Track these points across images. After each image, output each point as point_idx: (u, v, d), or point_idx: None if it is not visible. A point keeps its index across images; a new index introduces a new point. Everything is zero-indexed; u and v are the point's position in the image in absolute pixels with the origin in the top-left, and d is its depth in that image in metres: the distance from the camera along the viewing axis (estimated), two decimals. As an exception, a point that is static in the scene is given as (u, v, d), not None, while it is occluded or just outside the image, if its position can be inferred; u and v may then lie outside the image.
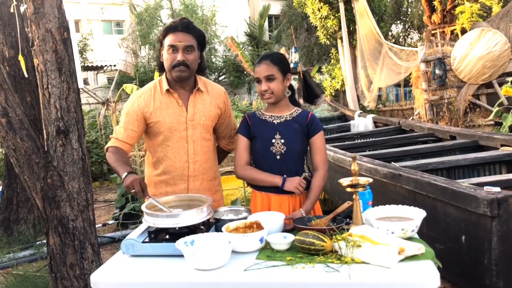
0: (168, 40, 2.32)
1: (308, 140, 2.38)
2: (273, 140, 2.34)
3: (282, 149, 2.33)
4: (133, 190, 2.05)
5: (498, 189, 2.31)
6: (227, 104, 2.56)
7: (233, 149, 2.66)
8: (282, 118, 2.39)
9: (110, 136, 2.43)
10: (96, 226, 3.57)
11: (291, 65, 9.67)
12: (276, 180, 2.32)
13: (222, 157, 2.73)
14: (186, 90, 2.43)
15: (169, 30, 2.34)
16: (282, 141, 2.34)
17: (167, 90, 2.39)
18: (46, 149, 3.09)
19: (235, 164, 2.45)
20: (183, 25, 2.32)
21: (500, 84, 7.26)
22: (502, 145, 4.05)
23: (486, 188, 2.36)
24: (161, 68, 2.44)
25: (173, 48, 2.30)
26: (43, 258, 4.57)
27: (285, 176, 2.32)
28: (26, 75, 4.36)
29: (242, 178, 2.49)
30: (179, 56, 2.30)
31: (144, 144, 2.56)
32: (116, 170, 2.21)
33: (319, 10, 12.20)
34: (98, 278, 1.76)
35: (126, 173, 2.11)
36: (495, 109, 5.83)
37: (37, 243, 5.11)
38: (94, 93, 15.73)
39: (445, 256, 2.33)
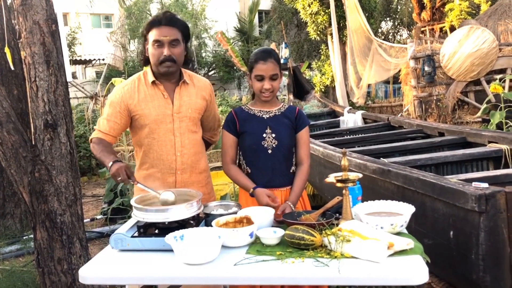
0: (153, 35, 2.30)
1: (295, 134, 2.41)
2: (264, 135, 2.35)
3: (274, 143, 2.34)
4: (119, 178, 2.05)
5: (486, 185, 2.33)
6: (212, 96, 2.57)
7: (216, 141, 2.68)
8: (271, 113, 2.40)
9: (94, 127, 2.42)
10: (84, 221, 3.54)
11: (281, 61, 9.68)
12: (248, 187, 2.33)
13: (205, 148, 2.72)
14: (171, 83, 2.42)
15: (153, 24, 2.32)
16: (273, 135, 2.35)
17: (153, 82, 2.37)
18: (33, 143, 3.05)
19: (222, 161, 2.47)
20: (167, 19, 2.30)
21: (488, 82, 7.32)
22: (489, 142, 4.09)
23: (474, 184, 2.38)
24: (146, 62, 2.43)
25: (159, 43, 2.29)
26: (30, 253, 4.53)
27: (254, 187, 2.31)
28: (12, 68, 4.30)
29: (228, 176, 2.51)
30: (165, 51, 2.28)
31: (132, 139, 2.55)
32: (102, 160, 2.20)
33: (309, 5, 12.20)
34: (87, 272, 1.75)
35: (111, 162, 2.10)
36: (483, 106, 5.88)
37: (24, 237, 5.06)
38: (82, 87, 15.60)
39: (433, 251, 2.34)
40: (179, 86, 2.41)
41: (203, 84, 2.53)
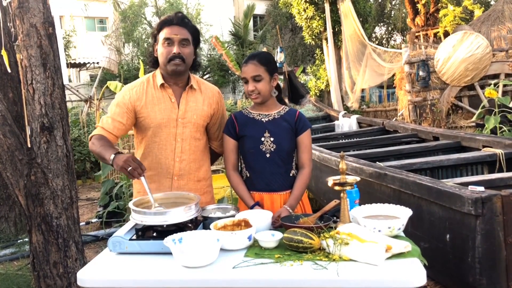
0: (164, 33, 2.29)
1: (295, 138, 2.39)
2: (263, 139, 2.34)
3: (272, 147, 2.33)
4: (130, 168, 1.96)
5: (482, 188, 2.35)
6: (220, 105, 2.52)
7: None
8: (270, 116, 2.39)
9: (96, 125, 2.37)
10: (80, 224, 3.53)
11: (277, 65, 9.71)
12: (247, 204, 2.33)
13: (213, 158, 2.67)
14: (179, 87, 2.39)
15: (164, 23, 2.31)
16: (272, 139, 2.33)
17: (162, 85, 2.35)
18: (29, 146, 3.04)
19: (225, 167, 2.45)
20: (179, 19, 2.31)
21: (482, 87, 7.39)
22: (484, 146, 4.12)
23: (470, 187, 2.40)
24: (154, 64, 2.40)
25: (169, 41, 2.28)
26: (25, 256, 4.50)
27: (255, 203, 2.32)
28: (9, 71, 4.30)
29: (229, 183, 2.50)
30: (175, 49, 2.26)
31: (134, 139, 2.52)
32: (102, 155, 2.11)
33: (304, 10, 12.25)
34: (85, 275, 1.74)
35: (113, 155, 2.03)
36: (478, 111, 5.92)
37: (19, 241, 5.03)
38: (77, 90, 15.54)
39: (429, 254, 2.36)
40: (186, 91, 2.38)
41: (211, 91, 2.49)
